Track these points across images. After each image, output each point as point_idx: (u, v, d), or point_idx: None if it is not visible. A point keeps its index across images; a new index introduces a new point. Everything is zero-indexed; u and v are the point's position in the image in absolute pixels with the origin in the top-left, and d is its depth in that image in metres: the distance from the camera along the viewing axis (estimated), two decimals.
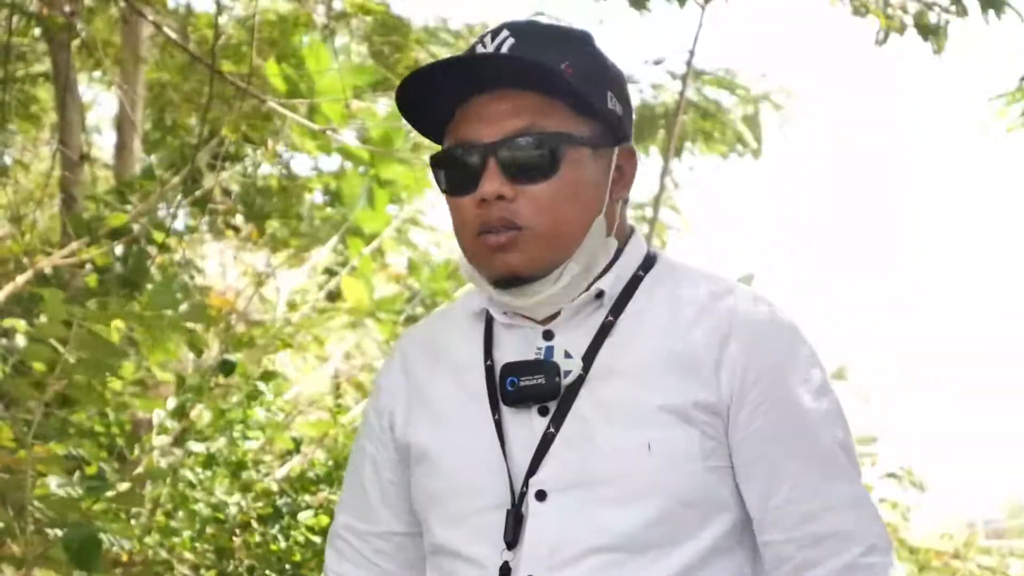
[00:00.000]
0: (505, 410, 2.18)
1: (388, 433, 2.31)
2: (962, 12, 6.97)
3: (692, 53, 8.73)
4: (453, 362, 2.25)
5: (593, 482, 2.13)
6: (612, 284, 2.18)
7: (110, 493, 5.54)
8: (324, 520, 6.41)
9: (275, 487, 6.55)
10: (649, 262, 2.22)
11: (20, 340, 6.30)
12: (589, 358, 2.16)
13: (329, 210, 9.36)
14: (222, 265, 10.26)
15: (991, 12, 6.80)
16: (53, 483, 5.36)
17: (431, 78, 2.16)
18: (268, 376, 7.13)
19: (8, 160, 8.76)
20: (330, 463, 6.76)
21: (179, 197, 6.98)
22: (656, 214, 10.32)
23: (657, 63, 10.06)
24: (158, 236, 6.80)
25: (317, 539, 6.37)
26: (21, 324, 6.30)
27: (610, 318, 2.18)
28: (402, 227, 10.19)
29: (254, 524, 6.37)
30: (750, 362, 2.11)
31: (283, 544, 6.32)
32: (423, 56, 10.29)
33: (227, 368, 7.31)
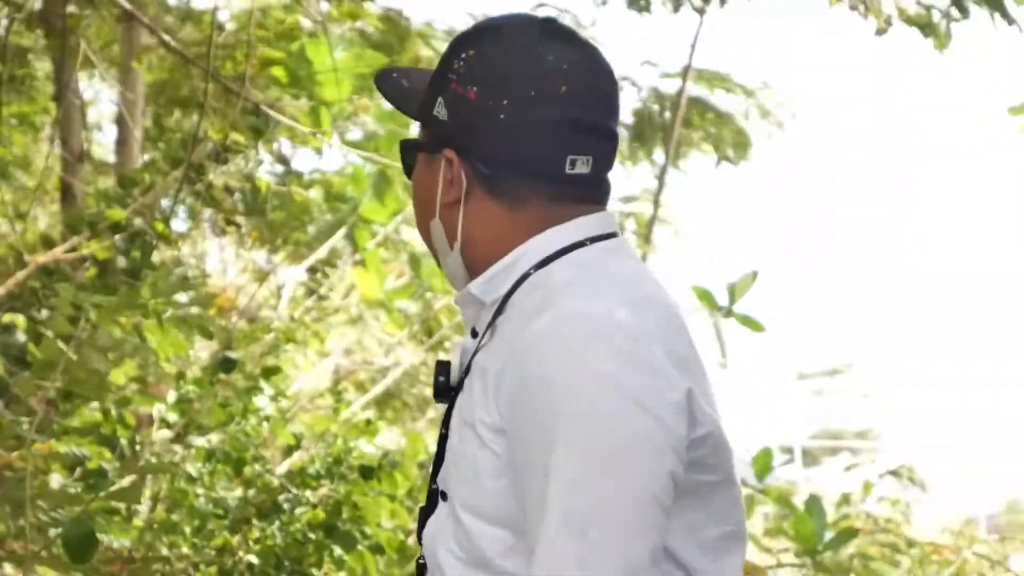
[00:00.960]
0: None
1: None
2: (964, 13, 6.96)
3: (693, 47, 8.73)
4: None
5: (448, 490, 2.15)
6: (480, 286, 2.16)
7: (110, 489, 5.54)
8: (321, 515, 6.41)
9: (275, 482, 6.54)
10: (548, 261, 2.12)
11: (20, 336, 6.30)
12: (471, 362, 2.17)
13: (329, 204, 9.37)
14: (223, 262, 10.28)
15: (994, 16, 6.79)
16: (54, 481, 5.36)
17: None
18: (269, 372, 7.13)
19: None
20: (330, 459, 6.76)
21: (179, 191, 6.98)
22: (655, 215, 10.32)
23: (646, 64, 10.05)
24: (159, 227, 6.80)
25: (317, 534, 6.37)
26: (20, 319, 6.30)
27: (490, 320, 2.15)
28: (397, 226, 10.20)
29: (254, 520, 6.37)
30: (515, 388, 2.01)
31: (283, 540, 6.32)
32: (425, 52, 10.28)
33: (228, 365, 7.32)
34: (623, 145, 10.17)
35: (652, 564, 1.97)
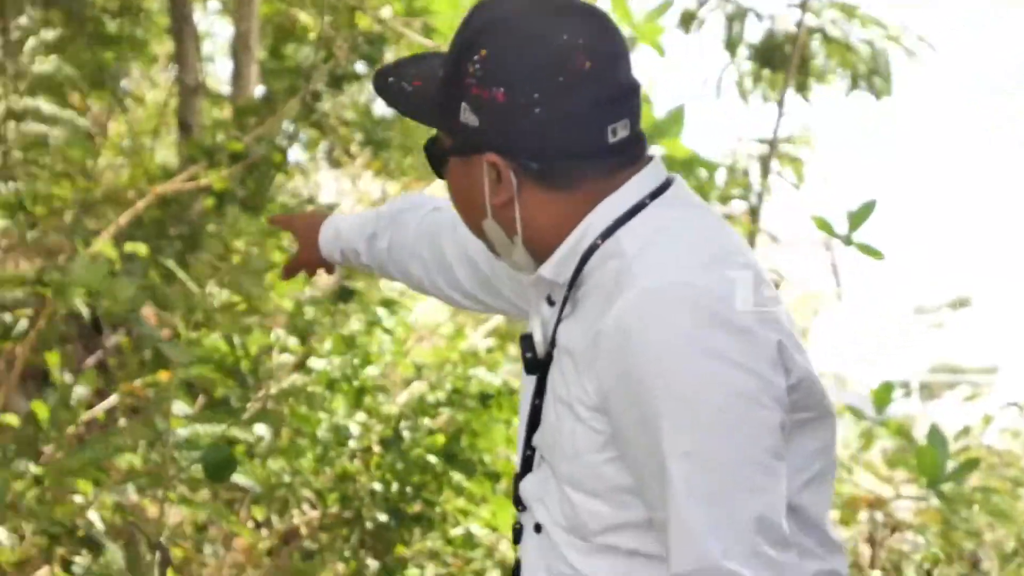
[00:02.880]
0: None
1: None
2: None
3: None
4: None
5: (549, 460, 2.19)
6: (552, 268, 2.16)
7: (244, 416, 5.62)
8: (441, 441, 6.43)
9: (396, 411, 6.56)
10: (612, 229, 2.13)
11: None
12: (554, 335, 2.19)
13: None
14: (338, 194, 10.30)
15: None
16: (177, 409, 5.42)
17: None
18: (389, 303, 7.11)
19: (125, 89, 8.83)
20: (450, 387, 6.76)
21: (293, 122, 7.00)
22: (770, 158, 10.11)
23: None
24: (277, 158, 6.83)
25: (437, 461, 6.38)
26: (143, 248, 6.35)
27: (567, 294, 2.17)
28: None
29: (375, 448, 6.40)
30: (610, 369, 2.03)
31: (403, 467, 6.34)
32: None
33: (346, 295, 7.33)
34: (750, 81, 9.99)
35: (781, 514, 2.02)
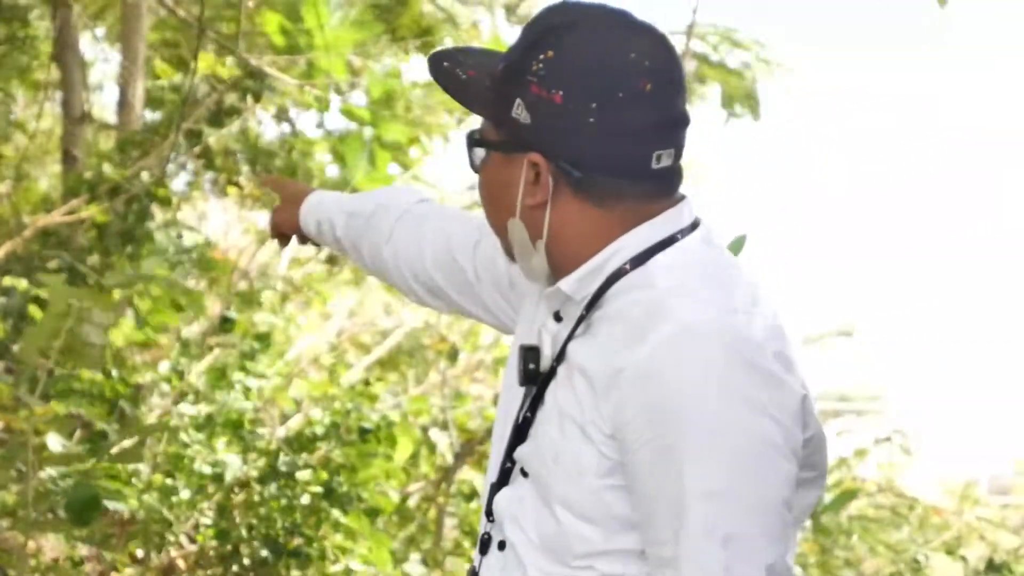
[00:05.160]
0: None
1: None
2: None
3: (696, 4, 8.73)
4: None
5: (537, 476, 2.17)
6: (573, 284, 2.16)
7: (111, 451, 5.56)
8: (323, 477, 6.43)
9: (274, 446, 6.56)
10: (643, 257, 2.13)
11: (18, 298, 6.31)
12: (563, 351, 2.17)
13: (331, 173, 9.34)
14: (225, 223, 10.27)
15: None
16: (52, 442, 5.38)
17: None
18: (262, 337, 7.10)
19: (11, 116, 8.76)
20: (329, 422, 6.76)
21: (176, 154, 6.99)
22: None
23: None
24: (158, 192, 6.81)
25: (315, 497, 6.39)
26: (22, 283, 6.31)
27: (583, 313, 2.16)
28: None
29: (253, 484, 6.39)
30: (635, 401, 2.02)
31: (282, 502, 6.33)
32: (428, 8, 10.20)
33: (227, 325, 7.33)
34: None
35: (787, 566, 2.04)
